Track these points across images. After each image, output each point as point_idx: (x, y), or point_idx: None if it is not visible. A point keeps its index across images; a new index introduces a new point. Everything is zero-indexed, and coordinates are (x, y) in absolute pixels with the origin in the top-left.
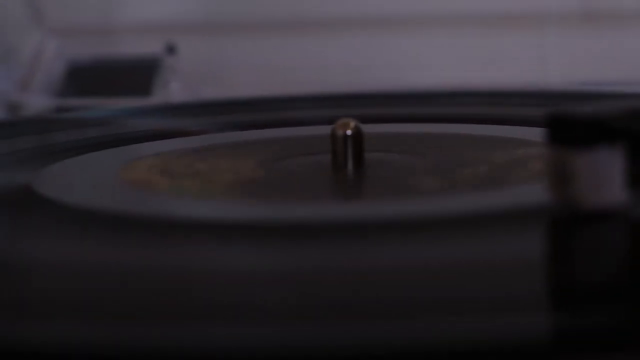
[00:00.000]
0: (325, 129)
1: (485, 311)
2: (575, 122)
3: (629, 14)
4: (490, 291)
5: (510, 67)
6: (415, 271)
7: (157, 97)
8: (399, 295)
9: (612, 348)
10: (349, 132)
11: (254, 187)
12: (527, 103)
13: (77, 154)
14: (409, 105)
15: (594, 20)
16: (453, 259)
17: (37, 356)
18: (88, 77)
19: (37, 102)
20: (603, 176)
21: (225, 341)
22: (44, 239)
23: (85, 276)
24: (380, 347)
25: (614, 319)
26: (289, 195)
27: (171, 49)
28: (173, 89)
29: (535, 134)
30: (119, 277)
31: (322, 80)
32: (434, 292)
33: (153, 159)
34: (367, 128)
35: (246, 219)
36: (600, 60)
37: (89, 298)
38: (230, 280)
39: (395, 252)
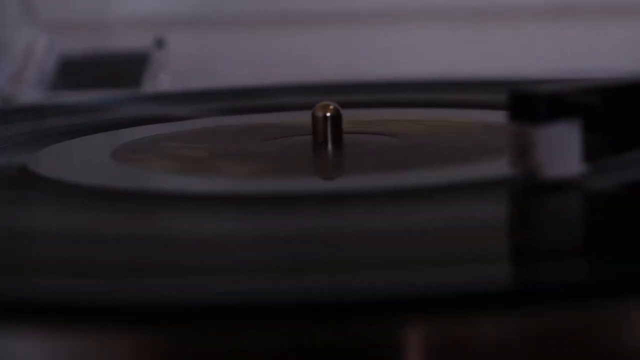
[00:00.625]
0: (307, 115)
1: (457, 264)
2: (534, 99)
3: (604, 8)
4: (459, 250)
5: (489, 59)
6: (388, 234)
7: (147, 90)
8: (371, 254)
9: (563, 299)
10: (328, 113)
11: (237, 164)
12: (498, 90)
13: (70, 137)
14: (389, 92)
15: (570, 14)
16: (425, 225)
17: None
18: (79, 71)
19: (30, 95)
20: (561, 149)
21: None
22: (39, 211)
23: (75, 240)
24: (359, 299)
25: (566, 274)
26: (269, 171)
27: (160, 43)
28: (162, 82)
29: (498, 115)
30: (105, 241)
31: (309, 72)
32: (410, 251)
33: (142, 142)
34: (347, 113)
35: (228, 191)
36: (576, 52)
37: (78, 257)
38: (211, 244)
39: (369, 218)
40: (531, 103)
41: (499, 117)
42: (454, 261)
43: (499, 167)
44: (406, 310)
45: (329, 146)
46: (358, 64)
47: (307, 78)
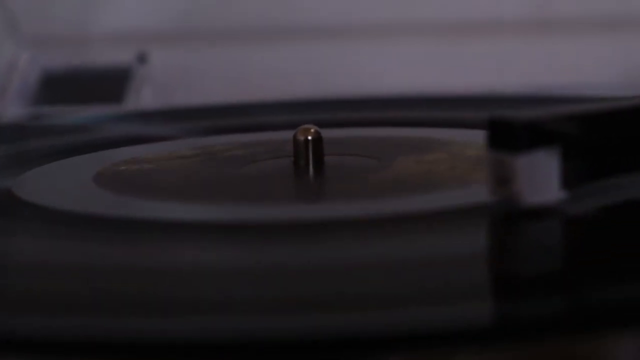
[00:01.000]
0: (288, 134)
1: (435, 300)
2: (513, 126)
3: (583, 21)
4: (437, 283)
5: (467, 74)
6: (368, 265)
7: (129, 105)
8: (350, 289)
9: (547, 333)
10: (309, 137)
11: (215, 189)
12: (480, 107)
13: (54, 159)
14: (370, 109)
15: (549, 27)
16: (404, 254)
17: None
18: (62, 86)
19: (13, 111)
20: (540, 177)
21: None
22: (24, 239)
23: (61, 272)
24: (338, 336)
25: (550, 307)
26: (250, 196)
27: (142, 58)
28: (144, 97)
29: (477, 136)
30: (90, 272)
31: (291, 87)
32: (385, 285)
33: (123, 165)
34: (328, 132)
35: (205, 219)
36: (557, 66)
37: (63, 291)
38: (186, 276)
39: (350, 248)
40: (510, 131)
41: (480, 136)
42: (432, 296)
43: (479, 194)
44: (385, 348)
45: (310, 170)
46: (339, 79)
47: (288, 93)
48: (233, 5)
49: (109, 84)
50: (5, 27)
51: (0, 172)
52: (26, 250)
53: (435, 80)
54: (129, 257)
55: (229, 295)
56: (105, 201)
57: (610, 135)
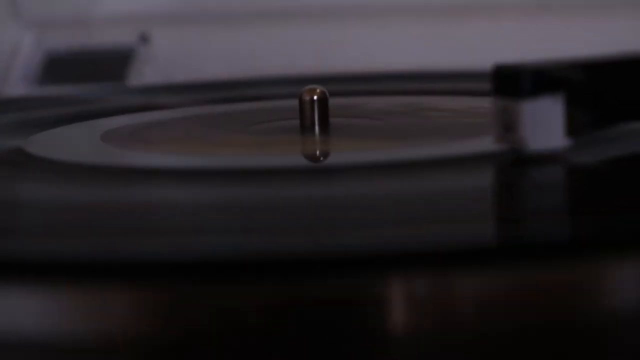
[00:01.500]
0: (294, 102)
1: (440, 224)
2: (518, 74)
3: (583, 2)
4: (443, 212)
5: (468, 54)
6: (381, 199)
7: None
8: (359, 216)
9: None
10: (315, 97)
11: (224, 144)
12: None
13: (62, 124)
14: (372, 83)
15: (549, 9)
16: (412, 192)
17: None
18: (65, 67)
19: (18, 92)
20: (545, 123)
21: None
22: (36, 185)
23: (65, 210)
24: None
25: (545, 233)
26: (256, 148)
27: (144, 39)
28: (146, 76)
29: (481, 101)
30: (91, 209)
31: (291, 66)
32: (395, 213)
33: (131, 127)
34: (334, 101)
35: (218, 165)
36: (555, 47)
37: (67, 222)
38: (201, 209)
39: (356, 186)
40: (515, 78)
41: (482, 102)
42: (436, 221)
43: (484, 144)
44: (390, 265)
45: (316, 128)
46: (338, 58)
47: (290, 71)
48: None
49: (111, 64)
50: (9, 10)
51: (11, 134)
52: (32, 193)
53: (434, 60)
54: (129, 196)
55: (251, 222)
56: (110, 154)
57: (614, 84)
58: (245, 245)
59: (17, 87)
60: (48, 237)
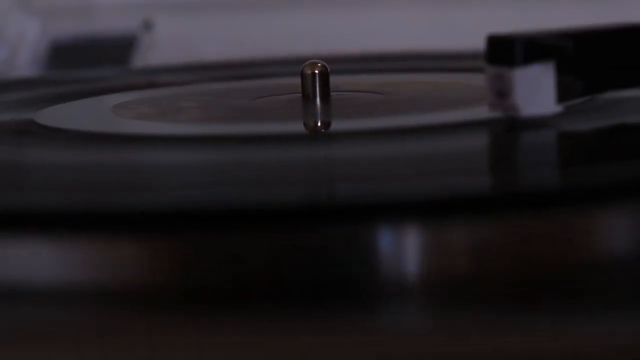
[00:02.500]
0: (295, 79)
1: (436, 176)
2: (511, 43)
3: None
4: (440, 167)
5: (460, 40)
6: (382, 158)
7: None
8: (359, 172)
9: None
10: (316, 70)
11: (224, 114)
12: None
13: (70, 99)
14: (372, 63)
15: None
16: (411, 152)
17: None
18: (70, 54)
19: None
20: (536, 90)
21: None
22: (47, 151)
23: (73, 171)
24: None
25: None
26: (257, 117)
27: (148, 25)
28: (150, 62)
29: (473, 78)
30: (96, 171)
31: (291, 51)
32: (393, 168)
33: (139, 101)
34: (335, 78)
35: (218, 131)
36: None
37: (82, 181)
38: (201, 168)
39: (358, 148)
40: (508, 46)
41: (477, 78)
42: (434, 174)
43: (479, 112)
44: (393, 212)
45: (318, 100)
46: (336, 42)
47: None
48: None
49: (115, 50)
50: (15, 1)
51: (22, 109)
52: (45, 157)
53: (428, 44)
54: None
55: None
56: (119, 123)
57: (603, 53)
58: (248, 197)
59: (24, 73)
60: (64, 193)
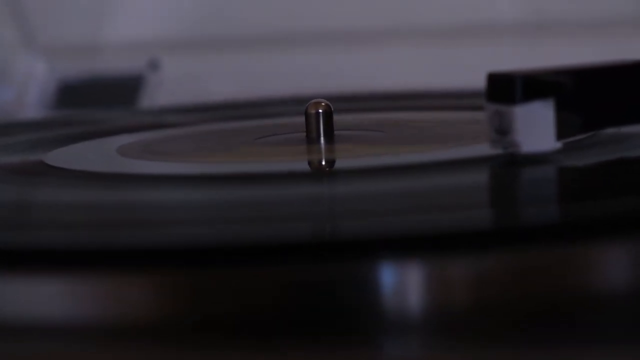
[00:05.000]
0: (299, 119)
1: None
2: (511, 80)
3: (581, 24)
4: (443, 203)
5: (467, 76)
6: (387, 195)
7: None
8: (364, 207)
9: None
10: (320, 110)
11: (232, 153)
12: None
13: (78, 141)
14: (376, 101)
15: (547, 31)
16: (413, 189)
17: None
18: (77, 94)
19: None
20: (537, 127)
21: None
22: (55, 192)
23: (78, 209)
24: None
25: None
26: (264, 157)
27: (154, 65)
28: (157, 101)
29: (473, 115)
30: (110, 208)
31: (297, 90)
32: (398, 204)
33: (145, 142)
34: (338, 117)
35: (224, 171)
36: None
37: (89, 219)
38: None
39: (362, 185)
40: (508, 84)
41: (477, 116)
42: (437, 209)
43: (479, 149)
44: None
45: (322, 139)
46: (339, 81)
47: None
48: (240, 14)
49: (122, 90)
50: (22, 39)
51: (30, 150)
52: (54, 195)
53: (432, 81)
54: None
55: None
56: (125, 164)
57: (601, 90)
58: (254, 234)
59: (31, 114)
60: (72, 231)
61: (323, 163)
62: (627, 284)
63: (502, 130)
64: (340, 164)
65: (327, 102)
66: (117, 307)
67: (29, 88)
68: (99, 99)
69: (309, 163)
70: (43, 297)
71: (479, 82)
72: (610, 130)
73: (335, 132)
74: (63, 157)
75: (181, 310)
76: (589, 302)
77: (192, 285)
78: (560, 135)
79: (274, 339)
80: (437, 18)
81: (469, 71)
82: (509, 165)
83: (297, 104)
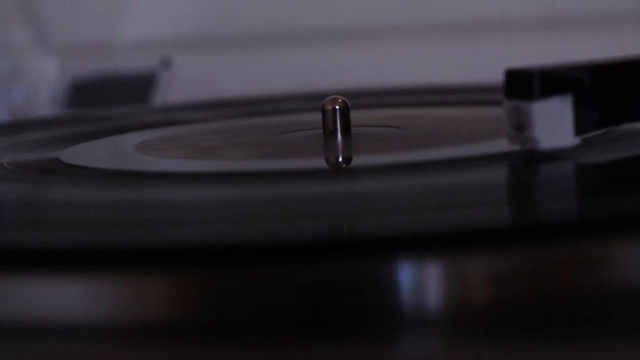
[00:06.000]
0: (316, 115)
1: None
2: (529, 77)
3: (593, 19)
4: (461, 200)
5: (478, 72)
6: (404, 192)
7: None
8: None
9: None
10: (337, 106)
11: (249, 151)
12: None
13: (92, 138)
14: (390, 97)
15: (559, 26)
16: (432, 186)
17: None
18: (90, 92)
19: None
20: (554, 123)
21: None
22: (70, 190)
23: (95, 208)
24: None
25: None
26: (281, 155)
27: (167, 63)
28: (169, 99)
29: (491, 111)
30: (126, 206)
31: (309, 86)
32: (414, 201)
33: (160, 139)
34: (354, 113)
35: (232, 169)
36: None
37: (106, 218)
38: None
39: (379, 182)
40: (526, 80)
41: (495, 112)
42: (455, 207)
43: (500, 145)
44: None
45: (339, 135)
46: (351, 77)
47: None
48: (250, 12)
49: (135, 89)
50: (36, 39)
51: (45, 147)
52: (70, 194)
53: (443, 77)
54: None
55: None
56: (140, 162)
57: (619, 85)
58: (272, 232)
59: (45, 112)
60: (87, 230)
61: (340, 160)
62: None
63: (520, 127)
64: (357, 161)
65: (344, 99)
66: (132, 306)
67: (42, 87)
68: (111, 98)
69: (326, 160)
70: (57, 296)
71: (492, 77)
72: (628, 126)
73: (352, 129)
74: (77, 154)
75: (197, 309)
76: (608, 299)
77: (208, 284)
78: (578, 131)
79: (291, 338)
80: (448, 14)
81: (480, 67)
82: (528, 161)
83: (313, 99)
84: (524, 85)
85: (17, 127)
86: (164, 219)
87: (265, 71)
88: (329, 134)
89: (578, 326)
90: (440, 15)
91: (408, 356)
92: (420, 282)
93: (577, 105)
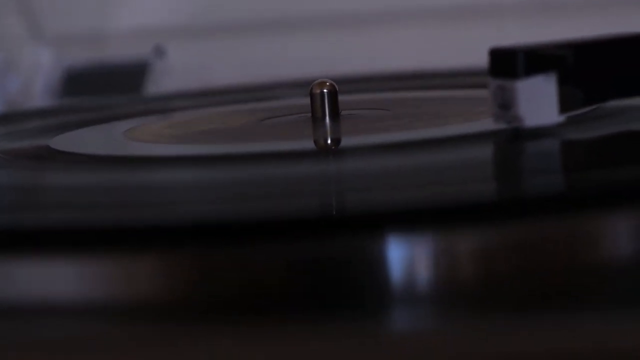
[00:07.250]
0: (305, 100)
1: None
2: (513, 55)
3: (582, 3)
4: (448, 177)
5: (473, 57)
6: (393, 170)
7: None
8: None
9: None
10: (325, 90)
11: (238, 135)
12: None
13: (84, 127)
14: (380, 82)
15: (554, 10)
16: (420, 164)
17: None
18: (83, 82)
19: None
20: (539, 101)
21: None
22: (60, 176)
23: (84, 191)
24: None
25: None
26: (270, 137)
27: (159, 51)
28: (163, 88)
29: (478, 93)
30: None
31: (303, 74)
32: (403, 179)
33: (149, 127)
34: (343, 97)
35: (222, 152)
36: None
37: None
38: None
39: (370, 161)
40: (510, 59)
41: (480, 93)
42: (443, 184)
43: (485, 125)
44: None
45: (327, 119)
46: (344, 63)
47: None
48: (242, 0)
49: (128, 77)
50: (30, 29)
51: (37, 136)
52: (60, 179)
53: (436, 62)
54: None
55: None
56: (131, 147)
57: (603, 63)
58: (264, 211)
59: (38, 102)
60: (81, 212)
61: (329, 141)
62: (632, 253)
63: (505, 105)
64: (346, 141)
65: (332, 82)
66: (125, 286)
67: (36, 77)
68: (105, 87)
69: (315, 141)
70: (50, 278)
71: (484, 62)
72: (613, 103)
73: (341, 112)
74: (69, 142)
75: (189, 288)
76: (596, 273)
77: (200, 262)
78: (563, 108)
79: (282, 315)
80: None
81: (472, 51)
82: (513, 139)
83: (302, 86)
84: (508, 63)
85: (9, 117)
86: (152, 200)
87: (258, 59)
88: (317, 117)
89: (567, 300)
90: (433, 1)
91: (398, 332)
92: (410, 257)
93: (562, 83)
